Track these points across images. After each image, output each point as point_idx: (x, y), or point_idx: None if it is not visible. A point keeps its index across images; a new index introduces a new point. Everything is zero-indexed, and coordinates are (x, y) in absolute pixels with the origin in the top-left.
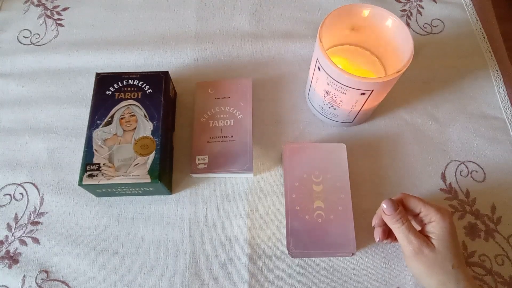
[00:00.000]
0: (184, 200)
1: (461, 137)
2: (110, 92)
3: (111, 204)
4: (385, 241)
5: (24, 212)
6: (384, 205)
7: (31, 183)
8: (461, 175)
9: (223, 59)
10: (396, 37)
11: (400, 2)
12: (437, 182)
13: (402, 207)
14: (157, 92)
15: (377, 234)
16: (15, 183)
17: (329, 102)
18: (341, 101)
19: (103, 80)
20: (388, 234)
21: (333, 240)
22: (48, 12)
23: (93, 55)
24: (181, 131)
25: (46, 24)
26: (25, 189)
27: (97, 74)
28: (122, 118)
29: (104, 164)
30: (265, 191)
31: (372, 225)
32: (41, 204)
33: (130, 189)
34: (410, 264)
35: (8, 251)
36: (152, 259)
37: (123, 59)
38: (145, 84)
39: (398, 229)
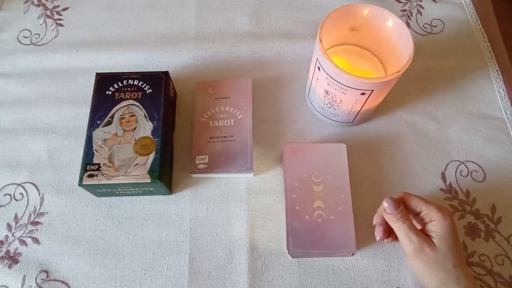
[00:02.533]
0: (184, 200)
1: (461, 137)
2: (110, 92)
3: (111, 204)
4: (385, 240)
5: (24, 212)
6: (385, 204)
7: (31, 183)
8: (461, 175)
9: (223, 59)
10: (396, 37)
11: (400, 2)
12: (437, 182)
13: (403, 206)
14: (157, 92)
15: (378, 232)
16: (15, 183)
17: (329, 102)
18: (341, 101)
19: (103, 80)
20: (389, 233)
21: (333, 240)
22: (48, 12)
23: (93, 55)
24: (181, 131)
25: (46, 24)
26: (25, 189)
27: (97, 74)
28: (122, 118)
29: (104, 164)
30: (265, 191)
31: (373, 224)
32: (41, 204)
33: (130, 189)
34: (411, 263)
35: (8, 251)
36: (152, 259)
37: (123, 59)
38: (145, 84)
39: (399, 228)
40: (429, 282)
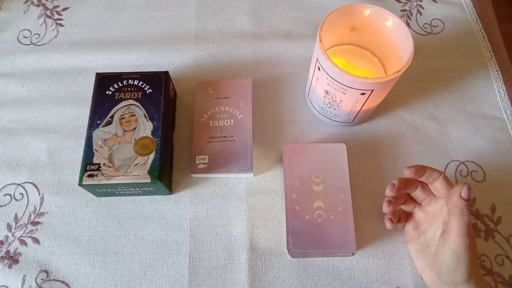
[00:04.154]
0: (184, 200)
1: (461, 137)
2: (110, 92)
3: (111, 204)
4: (389, 225)
5: (24, 212)
6: (464, 190)
7: (31, 183)
8: (461, 175)
9: (223, 59)
10: (396, 37)
11: (400, 2)
12: None
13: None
14: (157, 92)
15: (388, 220)
16: (15, 183)
17: (329, 102)
18: (341, 101)
19: (103, 80)
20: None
21: (333, 240)
22: (48, 12)
23: (93, 55)
24: (181, 131)
25: (46, 24)
26: (25, 189)
27: (97, 74)
28: (122, 118)
29: (104, 164)
30: (265, 191)
31: (383, 210)
32: (41, 204)
33: (130, 189)
34: (447, 254)
35: (8, 251)
36: (152, 259)
37: (123, 59)
38: (145, 84)
39: (463, 218)
40: (459, 276)
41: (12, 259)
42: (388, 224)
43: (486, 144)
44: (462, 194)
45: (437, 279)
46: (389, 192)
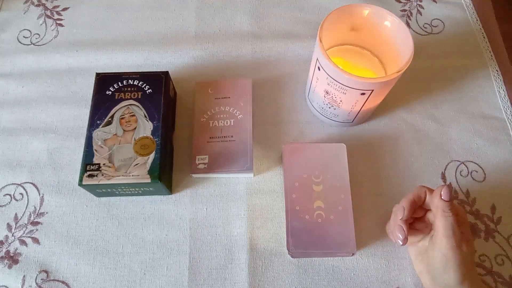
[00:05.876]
0: (184, 200)
1: (461, 137)
2: (110, 92)
3: (111, 204)
4: (399, 241)
5: (24, 212)
6: (444, 191)
7: (31, 183)
8: (461, 175)
9: (223, 59)
10: (396, 37)
11: (400, 2)
12: (437, 182)
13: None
14: (157, 92)
15: (402, 233)
16: (15, 183)
17: (329, 102)
18: (341, 101)
19: (103, 80)
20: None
21: (333, 240)
22: (48, 12)
23: (93, 55)
24: (181, 131)
25: (46, 24)
26: (25, 189)
27: (97, 74)
28: (122, 118)
29: (104, 164)
30: (265, 191)
31: (400, 218)
32: (41, 204)
33: (130, 189)
34: (436, 257)
35: (8, 251)
36: (152, 259)
37: (123, 59)
38: (145, 84)
39: (447, 218)
40: (450, 279)
41: (12, 259)
42: (400, 244)
43: (486, 144)
44: (442, 195)
45: (433, 282)
46: (401, 215)
